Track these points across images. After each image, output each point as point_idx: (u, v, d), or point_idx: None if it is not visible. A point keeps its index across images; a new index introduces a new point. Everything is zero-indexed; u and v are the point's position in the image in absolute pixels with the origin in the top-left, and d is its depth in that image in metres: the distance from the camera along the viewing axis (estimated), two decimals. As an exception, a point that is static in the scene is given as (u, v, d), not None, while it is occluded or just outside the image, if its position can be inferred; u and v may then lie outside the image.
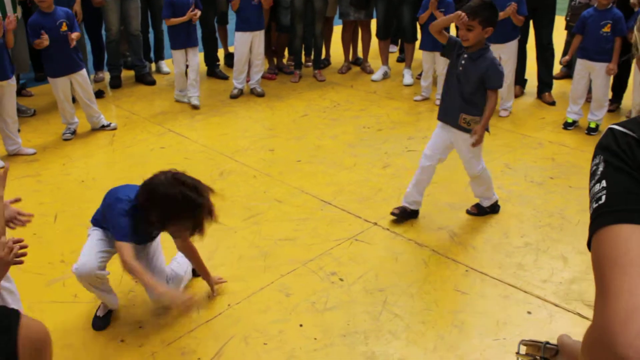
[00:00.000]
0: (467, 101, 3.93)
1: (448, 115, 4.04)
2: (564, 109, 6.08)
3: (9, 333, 1.42)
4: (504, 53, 6.13)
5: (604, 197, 1.12)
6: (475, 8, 3.75)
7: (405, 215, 4.20)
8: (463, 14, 3.75)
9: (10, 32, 5.12)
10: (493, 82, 3.86)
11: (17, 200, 2.79)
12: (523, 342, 1.48)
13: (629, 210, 1.06)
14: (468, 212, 4.30)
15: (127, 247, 2.95)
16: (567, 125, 5.91)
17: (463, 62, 3.91)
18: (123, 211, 3.01)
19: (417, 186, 4.16)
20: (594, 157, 1.20)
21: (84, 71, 5.80)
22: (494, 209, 4.31)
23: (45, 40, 5.32)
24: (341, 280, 3.58)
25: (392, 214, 4.20)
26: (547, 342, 1.40)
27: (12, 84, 5.24)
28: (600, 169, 1.16)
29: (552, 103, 6.59)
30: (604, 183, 1.14)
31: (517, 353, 1.49)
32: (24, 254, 2.13)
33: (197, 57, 6.61)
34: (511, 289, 3.47)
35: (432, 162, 4.12)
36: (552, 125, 6.00)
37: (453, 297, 3.43)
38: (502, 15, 5.89)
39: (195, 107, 6.53)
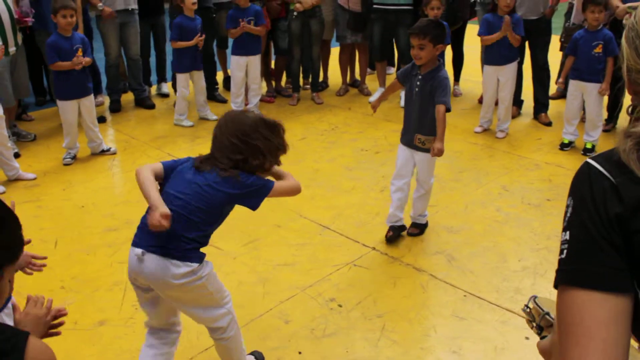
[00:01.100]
0: (421, 121, 4.09)
1: (406, 136, 4.25)
2: (560, 130, 6.12)
3: (16, 353, 1.44)
4: (502, 75, 6.20)
5: (565, 252, 1.14)
6: (424, 27, 3.93)
7: (397, 234, 4.32)
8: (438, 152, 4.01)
9: None
10: (439, 97, 3.97)
11: (28, 242, 2.72)
12: (535, 300, 1.51)
13: (585, 273, 1.09)
14: (409, 234, 4.38)
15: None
16: (563, 146, 5.95)
17: (418, 82, 4.06)
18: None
19: (398, 207, 4.29)
20: (569, 194, 1.21)
21: (92, 96, 5.90)
22: (427, 223, 4.46)
23: (77, 64, 5.46)
24: (340, 306, 3.60)
25: (387, 238, 4.29)
26: (548, 313, 1.43)
27: (0, 113, 5.24)
28: (568, 215, 1.17)
29: (549, 124, 6.64)
30: (567, 235, 1.15)
31: (526, 305, 1.53)
32: (61, 323, 1.99)
33: (202, 80, 6.81)
34: (509, 314, 3.49)
35: (404, 179, 4.26)
36: (549, 146, 6.04)
37: (451, 322, 3.45)
38: (498, 35, 5.98)
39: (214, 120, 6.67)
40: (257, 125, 2.68)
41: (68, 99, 5.69)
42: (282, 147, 2.78)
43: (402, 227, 4.37)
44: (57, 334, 1.99)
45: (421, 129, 4.10)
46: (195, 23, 6.56)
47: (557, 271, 1.15)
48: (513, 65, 6.24)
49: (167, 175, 2.75)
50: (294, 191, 2.92)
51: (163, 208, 2.52)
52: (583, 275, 1.09)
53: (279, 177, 2.90)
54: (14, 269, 1.48)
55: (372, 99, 7.50)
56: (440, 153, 4.05)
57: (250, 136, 2.65)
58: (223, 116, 2.81)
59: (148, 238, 2.61)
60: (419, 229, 4.41)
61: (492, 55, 6.22)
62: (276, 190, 2.78)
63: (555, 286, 1.14)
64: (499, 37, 6.01)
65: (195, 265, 2.63)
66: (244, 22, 6.58)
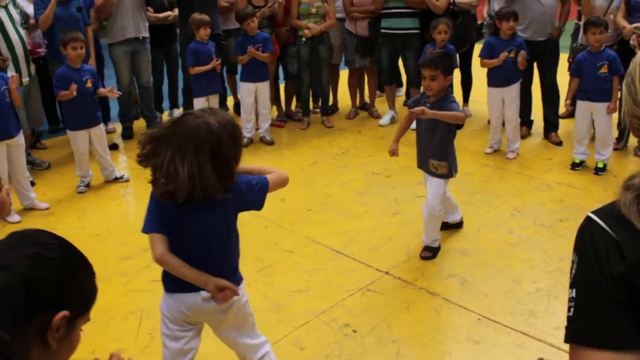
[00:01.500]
0: (434, 147, 4.24)
1: (421, 162, 4.43)
2: (571, 149, 6.12)
3: None
4: (506, 96, 6.25)
5: (572, 310, 1.18)
6: (436, 59, 4.11)
7: (435, 252, 4.46)
8: (425, 110, 4.04)
9: (14, 92, 5.21)
10: (449, 106, 4.14)
11: None
12: None
13: (592, 333, 1.13)
14: (422, 257, 4.42)
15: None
16: (574, 166, 5.95)
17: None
18: None
19: (447, 212, 4.56)
20: (574, 249, 1.24)
21: (102, 125, 6.00)
22: (439, 247, 4.51)
23: (73, 91, 5.51)
24: (354, 332, 3.61)
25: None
26: None
27: (19, 143, 5.33)
28: (574, 271, 1.21)
29: (559, 143, 6.65)
30: (574, 292, 1.19)
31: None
32: None
33: (217, 104, 6.92)
34: (524, 337, 3.48)
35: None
36: (560, 165, 6.05)
37: (466, 347, 3.45)
38: (497, 61, 6.04)
39: None
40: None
41: (78, 129, 5.77)
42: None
43: (460, 224, 4.76)
44: None
45: (434, 154, 4.24)
46: (209, 47, 6.65)
47: (566, 328, 1.20)
48: (516, 86, 6.28)
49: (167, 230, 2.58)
50: (285, 180, 2.75)
51: (213, 280, 2.51)
52: (590, 335, 1.13)
53: (258, 172, 2.75)
54: (87, 319, 1.44)
55: (382, 122, 7.55)
56: (421, 112, 4.02)
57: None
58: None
59: None
60: (431, 252, 4.43)
61: (495, 77, 6.26)
62: (272, 183, 2.65)
63: (565, 340, 1.19)
64: (495, 64, 6.07)
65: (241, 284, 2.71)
66: (252, 48, 6.66)
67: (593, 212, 1.21)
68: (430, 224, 4.37)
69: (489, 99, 6.48)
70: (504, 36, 6.11)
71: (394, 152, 4.44)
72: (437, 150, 4.22)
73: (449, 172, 4.28)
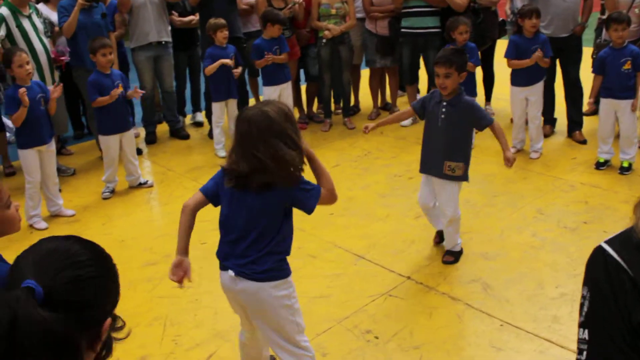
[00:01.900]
0: (451, 148, 4.13)
1: (430, 166, 4.28)
2: (595, 147, 6.06)
3: None
4: (531, 95, 6.19)
5: (585, 353, 1.07)
6: (449, 57, 4.04)
7: (457, 256, 4.46)
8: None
9: (54, 101, 5.36)
10: (485, 122, 4.10)
11: None
12: None
13: None
14: (444, 262, 4.40)
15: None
16: (599, 165, 5.89)
17: (444, 109, 4.11)
18: None
19: (434, 221, 4.53)
20: (583, 283, 1.12)
21: (132, 130, 6.10)
22: (462, 250, 4.49)
23: (115, 95, 5.64)
24: (376, 338, 3.62)
25: (436, 242, 4.61)
26: None
27: (51, 148, 5.45)
28: (585, 309, 1.09)
29: (584, 142, 6.59)
30: (586, 334, 1.08)
31: None
32: None
33: (236, 109, 6.92)
34: (547, 344, 3.47)
35: (430, 207, 4.45)
36: (584, 165, 5.99)
37: (489, 353, 3.44)
38: (526, 62, 5.97)
39: None
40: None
41: (111, 134, 5.86)
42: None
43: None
44: None
45: (451, 156, 4.14)
46: (227, 52, 6.67)
47: None
48: (540, 85, 6.23)
49: (214, 198, 2.83)
50: (333, 199, 2.88)
51: (177, 256, 2.85)
52: None
53: (320, 168, 2.92)
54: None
55: (404, 122, 7.52)
56: (513, 161, 4.17)
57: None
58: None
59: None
60: (453, 256, 4.41)
61: (519, 77, 6.21)
62: (323, 197, 2.79)
63: None
64: (528, 64, 6.01)
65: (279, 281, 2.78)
66: (269, 54, 6.67)
67: (606, 242, 1.09)
68: (449, 228, 4.34)
69: (512, 98, 6.43)
70: (527, 34, 6.05)
71: (366, 129, 4.41)
72: (455, 151, 4.13)
73: (464, 174, 4.20)
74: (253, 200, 2.68)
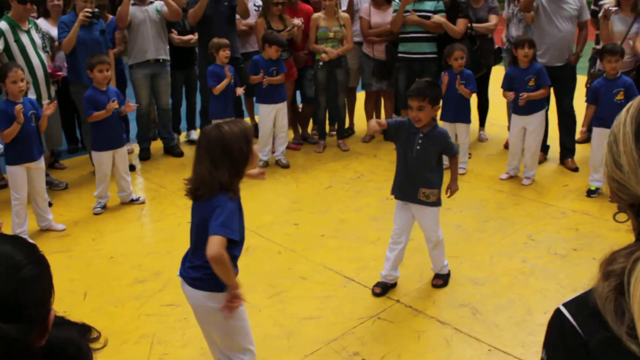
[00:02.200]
0: (426, 176, 4.13)
1: (406, 192, 4.27)
2: (587, 175, 6.09)
3: None
4: (530, 124, 6.20)
5: None
6: (423, 89, 3.99)
7: (387, 290, 4.37)
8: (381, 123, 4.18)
9: (45, 118, 5.36)
10: (452, 151, 4.19)
11: None
12: None
13: None
14: (434, 285, 4.38)
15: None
16: (590, 193, 5.92)
17: (420, 141, 4.10)
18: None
19: (393, 264, 4.36)
20: (543, 346, 1.16)
21: (125, 147, 6.10)
22: (449, 272, 4.48)
23: (111, 110, 5.66)
24: (364, 361, 3.61)
25: (375, 294, 4.33)
26: None
27: (40, 166, 5.41)
28: None
29: (575, 169, 6.62)
30: None
31: None
32: None
33: None
34: (534, 370, 3.46)
35: (402, 243, 4.35)
36: (576, 192, 6.02)
37: (476, 379, 3.43)
38: (511, 96, 6.04)
39: None
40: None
41: (104, 150, 5.85)
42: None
43: (394, 285, 4.43)
44: None
45: (425, 183, 4.13)
46: (229, 70, 6.71)
47: None
48: (541, 114, 6.24)
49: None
50: (212, 257, 2.70)
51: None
52: None
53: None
54: None
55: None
56: (455, 191, 4.30)
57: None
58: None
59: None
60: (442, 279, 4.41)
61: (519, 105, 6.21)
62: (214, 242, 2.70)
63: None
64: (510, 99, 6.15)
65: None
66: (267, 78, 6.73)
67: (564, 305, 1.10)
68: (435, 251, 4.35)
69: (511, 125, 6.44)
70: (521, 64, 6.08)
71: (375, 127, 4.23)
72: (429, 178, 4.13)
73: (439, 200, 4.19)
74: (196, 209, 2.90)
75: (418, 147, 4.10)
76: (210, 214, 2.73)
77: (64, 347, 1.46)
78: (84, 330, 1.56)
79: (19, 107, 5.03)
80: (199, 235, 2.82)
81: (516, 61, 6.14)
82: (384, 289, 4.34)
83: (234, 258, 2.85)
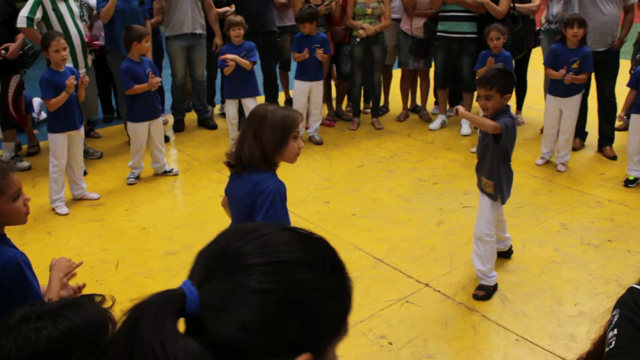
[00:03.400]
0: (485, 164, 4.04)
1: (478, 178, 4.18)
2: (625, 164, 5.96)
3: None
4: (566, 107, 6.08)
5: (613, 342, 1.38)
6: (491, 77, 3.84)
7: (489, 291, 4.11)
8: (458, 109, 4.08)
9: (82, 89, 5.41)
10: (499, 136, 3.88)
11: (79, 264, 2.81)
12: None
13: (631, 354, 1.36)
14: (474, 296, 4.06)
15: None
16: (627, 183, 5.80)
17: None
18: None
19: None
20: (613, 309, 1.44)
21: (161, 118, 6.14)
22: (496, 285, 4.14)
23: (154, 84, 5.72)
24: (390, 344, 3.61)
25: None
26: None
27: (80, 133, 5.51)
28: (615, 319, 1.41)
29: (614, 157, 6.49)
30: (615, 331, 1.40)
31: None
32: None
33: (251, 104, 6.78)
34: (562, 362, 3.43)
35: (493, 237, 4.13)
36: (613, 181, 5.90)
37: (502, 368, 3.42)
38: (558, 76, 5.89)
39: None
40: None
41: (141, 121, 5.90)
42: None
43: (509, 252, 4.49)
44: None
45: (484, 172, 4.05)
46: (242, 48, 6.58)
47: (608, 358, 1.42)
48: (577, 98, 6.10)
49: None
50: None
51: None
52: (630, 357, 1.38)
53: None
54: None
55: (433, 126, 7.50)
56: (457, 112, 4.11)
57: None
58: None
59: None
60: (484, 291, 4.07)
61: (556, 86, 6.09)
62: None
63: None
64: (559, 77, 5.90)
65: None
66: (311, 51, 6.68)
67: (637, 284, 1.40)
68: (474, 247, 4.10)
69: (546, 107, 6.32)
70: (570, 44, 5.92)
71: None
72: (488, 168, 4.01)
73: (495, 194, 4.01)
74: (235, 182, 2.97)
75: (480, 135, 4.11)
76: (250, 193, 2.77)
77: (81, 333, 1.49)
78: (92, 301, 1.61)
79: (71, 79, 5.12)
80: (243, 217, 2.84)
81: (564, 40, 5.97)
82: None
83: None
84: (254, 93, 6.74)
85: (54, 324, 1.47)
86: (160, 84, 6.00)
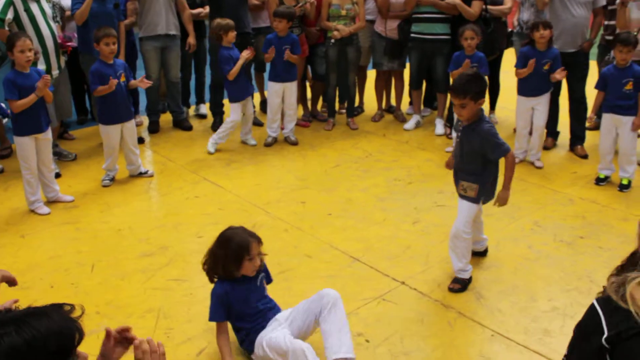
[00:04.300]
0: (465, 169, 4.06)
1: (455, 181, 4.21)
2: (596, 163, 6.06)
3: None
4: (538, 105, 6.19)
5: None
6: (464, 86, 3.84)
7: (464, 284, 4.20)
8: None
9: (46, 89, 5.31)
10: (497, 153, 3.94)
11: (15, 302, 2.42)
12: None
13: None
14: (450, 289, 4.14)
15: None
16: (598, 181, 5.90)
17: (461, 132, 4.06)
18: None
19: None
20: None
21: (134, 120, 6.08)
22: (470, 278, 4.23)
23: (113, 85, 5.60)
24: (367, 341, 3.63)
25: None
26: None
27: (47, 137, 5.40)
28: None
29: (585, 156, 6.59)
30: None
31: None
32: None
33: (252, 107, 7.06)
34: (536, 357, 3.48)
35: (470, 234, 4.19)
36: (584, 180, 6.00)
37: (478, 363, 3.46)
38: (527, 71, 5.99)
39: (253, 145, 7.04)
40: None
41: (112, 124, 5.84)
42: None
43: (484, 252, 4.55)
44: None
45: (464, 176, 4.07)
46: (237, 52, 6.66)
47: None
48: (547, 95, 6.24)
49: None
50: None
51: None
52: None
53: None
54: None
55: (407, 126, 7.56)
56: (504, 202, 4.11)
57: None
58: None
59: None
60: (460, 284, 4.16)
61: (526, 87, 6.20)
62: None
63: None
64: (529, 71, 6.02)
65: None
66: (288, 52, 6.74)
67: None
68: (454, 249, 4.16)
69: (517, 108, 6.41)
70: (539, 46, 6.03)
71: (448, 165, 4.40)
72: (470, 173, 4.03)
73: (477, 197, 4.04)
74: None
75: (458, 140, 4.11)
76: None
77: (46, 343, 1.49)
78: (60, 310, 1.59)
79: (46, 78, 5.06)
80: None
81: (533, 43, 6.08)
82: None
83: (240, 330, 3.50)
84: (251, 93, 6.95)
85: (18, 331, 1.45)
86: (132, 85, 5.98)
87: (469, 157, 4.02)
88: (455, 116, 4.39)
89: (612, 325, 1.44)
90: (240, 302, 3.41)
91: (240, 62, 6.57)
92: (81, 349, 1.65)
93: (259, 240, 3.42)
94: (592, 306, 1.54)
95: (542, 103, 6.22)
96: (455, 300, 4.05)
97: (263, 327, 3.41)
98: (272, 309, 3.52)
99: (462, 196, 4.11)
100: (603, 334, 1.45)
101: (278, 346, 3.21)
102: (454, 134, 4.76)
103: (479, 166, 4.01)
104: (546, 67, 6.03)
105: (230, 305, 3.40)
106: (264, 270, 3.59)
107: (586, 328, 1.53)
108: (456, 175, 4.18)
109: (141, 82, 6.02)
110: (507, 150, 3.94)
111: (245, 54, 6.57)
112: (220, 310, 3.39)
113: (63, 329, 1.52)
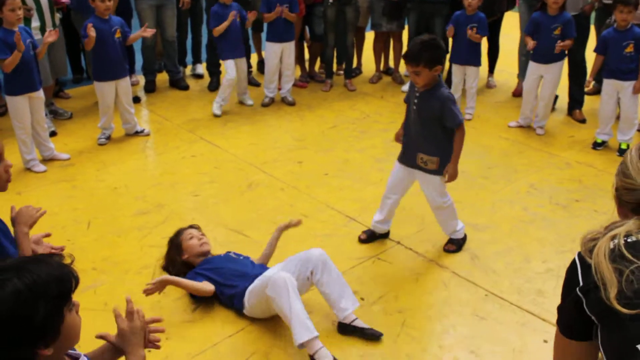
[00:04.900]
0: (425, 141, 3.89)
1: (406, 155, 4.05)
2: (594, 127, 6.05)
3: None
4: (547, 73, 6.09)
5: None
6: (416, 53, 3.64)
7: (374, 238, 4.32)
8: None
9: (45, 46, 5.28)
10: (451, 121, 3.77)
11: (47, 235, 2.86)
12: None
13: (565, 326, 1.66)
14: (445, 250, 4.17)
15: None
16: (596, 145, 5.89)
17: (416, 100, 3.86)
18: None
19: (385, 218, 4.26)
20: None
21: (128, 77, 6.03)
22: (465, 236, 4.25)
23: (91, 32, 5.47)
24: (362, 299, 3.66)
25: (360, 240, 4.31)
26: None
27: (40, 95, 5.35)
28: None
29: (583, 121, 6.57)
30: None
31: None
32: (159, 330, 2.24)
33: (245, 67, 6.94)
34: (529, 316, 3.52)
35: (391, 199, 4.20)
36: (581, 144, 5.99)
37: (471, 321, 3.49)
38: (532, 45, 5.91)
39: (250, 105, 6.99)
40: None
41: (105, 80, 5.79)
42: None
43: (385, 235, 4.36)
44: (157, 347, 2.23)
45: (423, 148, 3.91)
46: (232, 8, 6.54)
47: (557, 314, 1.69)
48: (559, 64, 6.11)
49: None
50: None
51: None
52: (565, 328, 1.66)
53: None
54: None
55: (405, 87, 7.50)
56: (452, 178, 3.92)
57: None
58: None
59: None
60: (455, 245, 4.19)
61: (538, 53, 6.04)
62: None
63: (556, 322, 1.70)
64: (530, 48, 5.97)
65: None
66: (283, 7, 6.61)
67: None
68: (438, 214, 4.13)
69: (527, 73, 6.28)
70: (550, 11, 5.89)
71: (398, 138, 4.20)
72: (428, 144, 3.87)
73: (439, 169, 3.91)
74: None
75: (414, 107, 3.88)
76: None
77: (47, 288, 1.52)
78: (57, 258, 1.63)
79: (17, 34, 4.93)
80: None
81: (544, 8, 5.97)
82: (369, 236, 4.30)
83: (230, 296, 3.60)
84: (242, 54, 6.82)
85: (19, 277, 1.47)
86: (131, 39, 5.95)
87: (428, 123, 3.83)
88: (407, 86, 4.18)
89: (585, 277, 1.53)
90: (214, 271, 3.66)
91: (224, 24, 6.45)
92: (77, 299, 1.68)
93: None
94: (573, 259, 1.61)
95: (551, 72, 6.09)
96: (449, 260, 4.08)
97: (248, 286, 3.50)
98: (257, 273, 3.56)
99: (422, 169, 3.97)
100: (578, 284, 1.54)
101: (260, 282, 3.36)
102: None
103: (438, 138, 3.85)
104: (557, 32, 5.92)
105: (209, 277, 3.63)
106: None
107: (567, 281, 1.61)
108: (410, 148, 4.01)
109: (144, 32, 5.95)
110: (460, 123, 3.78)
111: (230, 19, 6.45)
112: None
113: (62, 274, 1.55)
